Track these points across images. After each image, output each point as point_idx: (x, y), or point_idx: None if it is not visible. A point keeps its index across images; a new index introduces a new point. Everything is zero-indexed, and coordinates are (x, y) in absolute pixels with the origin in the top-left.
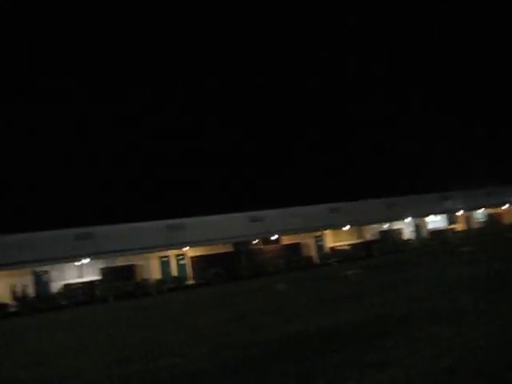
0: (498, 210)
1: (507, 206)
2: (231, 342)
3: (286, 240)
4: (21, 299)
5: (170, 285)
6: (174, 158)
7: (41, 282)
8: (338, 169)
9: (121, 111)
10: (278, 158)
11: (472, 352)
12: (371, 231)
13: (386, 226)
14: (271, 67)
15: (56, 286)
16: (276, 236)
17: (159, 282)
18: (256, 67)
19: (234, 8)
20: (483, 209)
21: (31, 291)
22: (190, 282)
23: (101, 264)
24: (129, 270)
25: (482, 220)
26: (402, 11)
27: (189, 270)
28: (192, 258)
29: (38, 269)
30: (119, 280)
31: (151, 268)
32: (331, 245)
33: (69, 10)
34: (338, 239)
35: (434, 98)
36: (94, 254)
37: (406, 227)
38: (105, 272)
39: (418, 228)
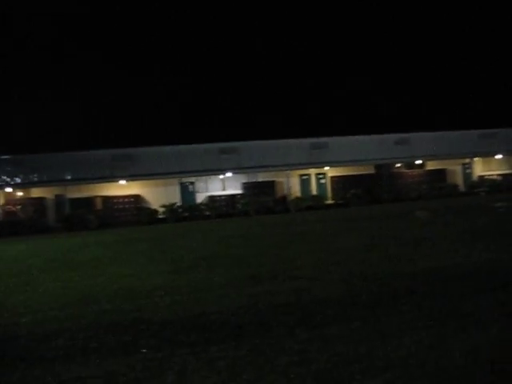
0: None
1: None
2: (363, 271)
3: (431, 165)
4: (168, 207)
5: (309, 203)
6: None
7: (186, 193)
8: (490, 91)
9: None
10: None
11: None
12: None
13: None
14: None
15: (200, 197)
16: (420, 161)
17: (298, 199)
18: None
19: None
20: None
21: (178, 201)
22: (329, 201)
23: (243, 179)
24: (269, 186)
25: None
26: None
27: (328, 190)
28: (332, 177)
29: (185, 180)
30: (260, 195)
31: (291, 185)
32: (480, 173)
33: None
34: (487, 168)
35: None
36: (236, 169)
37: None
38: (246, 187)
39: None
